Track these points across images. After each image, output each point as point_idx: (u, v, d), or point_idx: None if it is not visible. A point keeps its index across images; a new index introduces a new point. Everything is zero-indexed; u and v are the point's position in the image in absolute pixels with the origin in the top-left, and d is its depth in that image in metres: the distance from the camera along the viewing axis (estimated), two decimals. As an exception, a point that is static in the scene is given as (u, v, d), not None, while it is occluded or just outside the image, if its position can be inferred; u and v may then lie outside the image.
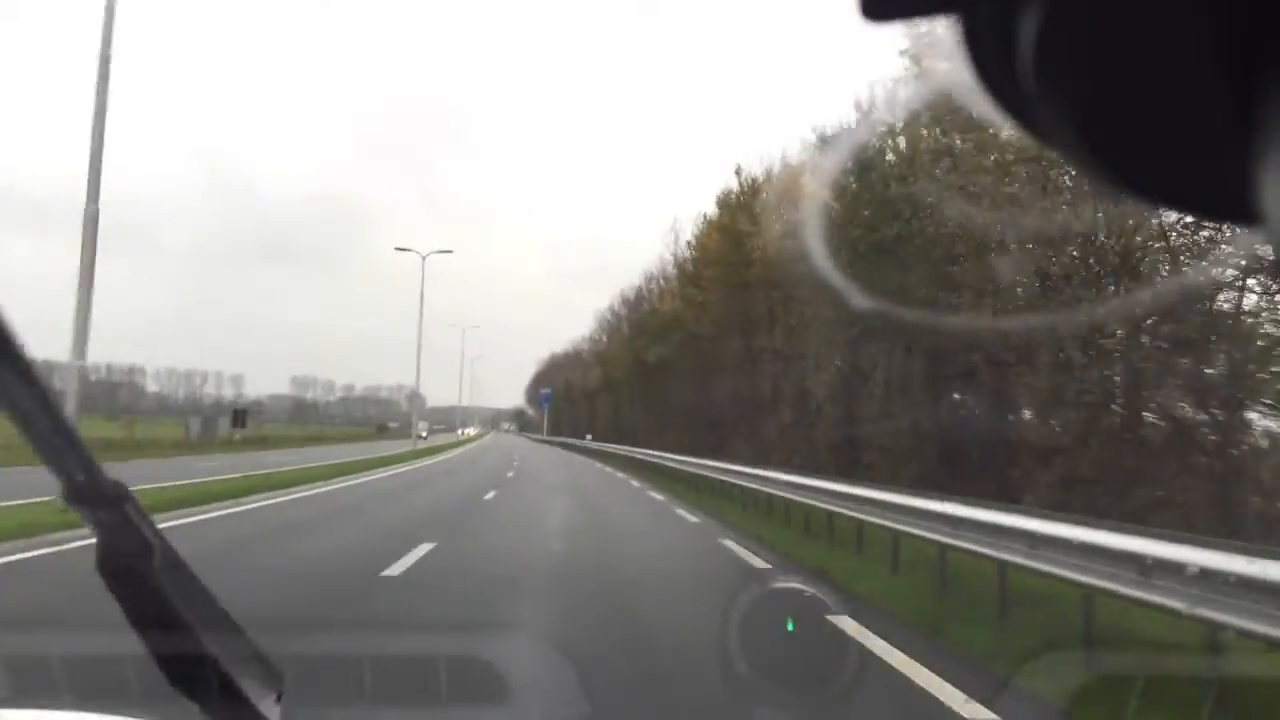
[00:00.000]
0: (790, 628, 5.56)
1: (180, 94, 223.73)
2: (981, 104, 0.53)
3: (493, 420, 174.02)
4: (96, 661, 4.62)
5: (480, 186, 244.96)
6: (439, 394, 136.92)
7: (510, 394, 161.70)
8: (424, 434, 72.30)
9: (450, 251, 35.56)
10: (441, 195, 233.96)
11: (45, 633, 5.79)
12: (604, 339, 70.39)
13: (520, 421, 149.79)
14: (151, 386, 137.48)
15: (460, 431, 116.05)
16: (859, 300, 15.84)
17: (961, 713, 4.87)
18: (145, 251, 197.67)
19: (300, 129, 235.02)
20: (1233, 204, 0.50)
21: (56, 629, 5.94)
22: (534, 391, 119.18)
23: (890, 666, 5.77)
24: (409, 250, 54.12)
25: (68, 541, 10.05)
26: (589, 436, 62.42)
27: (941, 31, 0.51)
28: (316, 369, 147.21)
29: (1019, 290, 15.85)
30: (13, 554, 9.69)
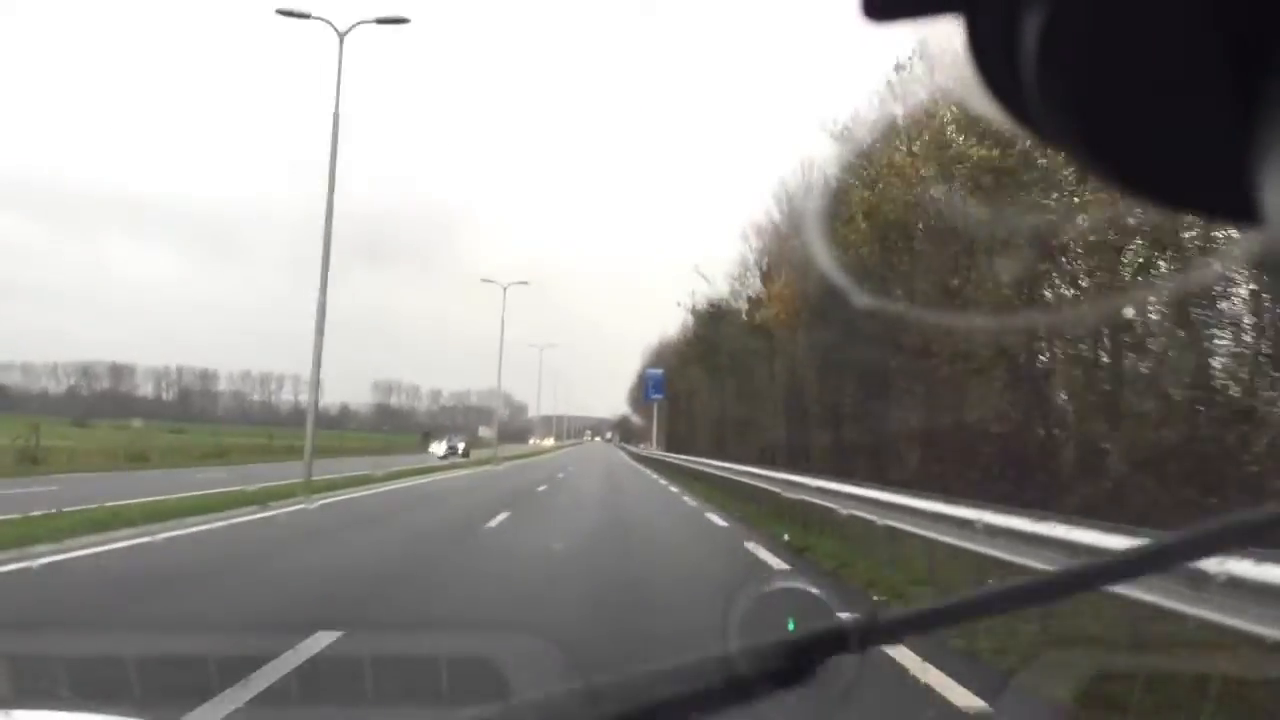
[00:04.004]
0: None
1: (265, 94, 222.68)
2: (984, 103, 0.53)
3: (595, 429, 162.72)
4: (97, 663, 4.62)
5: (574, 188, 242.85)
6: (543, 404, 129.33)
7: (615, 403, 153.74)
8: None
9: (406, 20, 32.01)
10: (534, 199, 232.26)
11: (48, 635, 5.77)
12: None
13: (623, 430, 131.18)
14: (225, 390, 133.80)
15: (485, 446, 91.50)
16: (860, 299, 15.82)
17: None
18: (224, 253, 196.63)
19: (386, 134, 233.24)
20: (1234, 204, 0.50)
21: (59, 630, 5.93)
22: (638, 393, 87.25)
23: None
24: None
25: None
26: None
27: (944, 31, 0.51)
28: (404, 375, 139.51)
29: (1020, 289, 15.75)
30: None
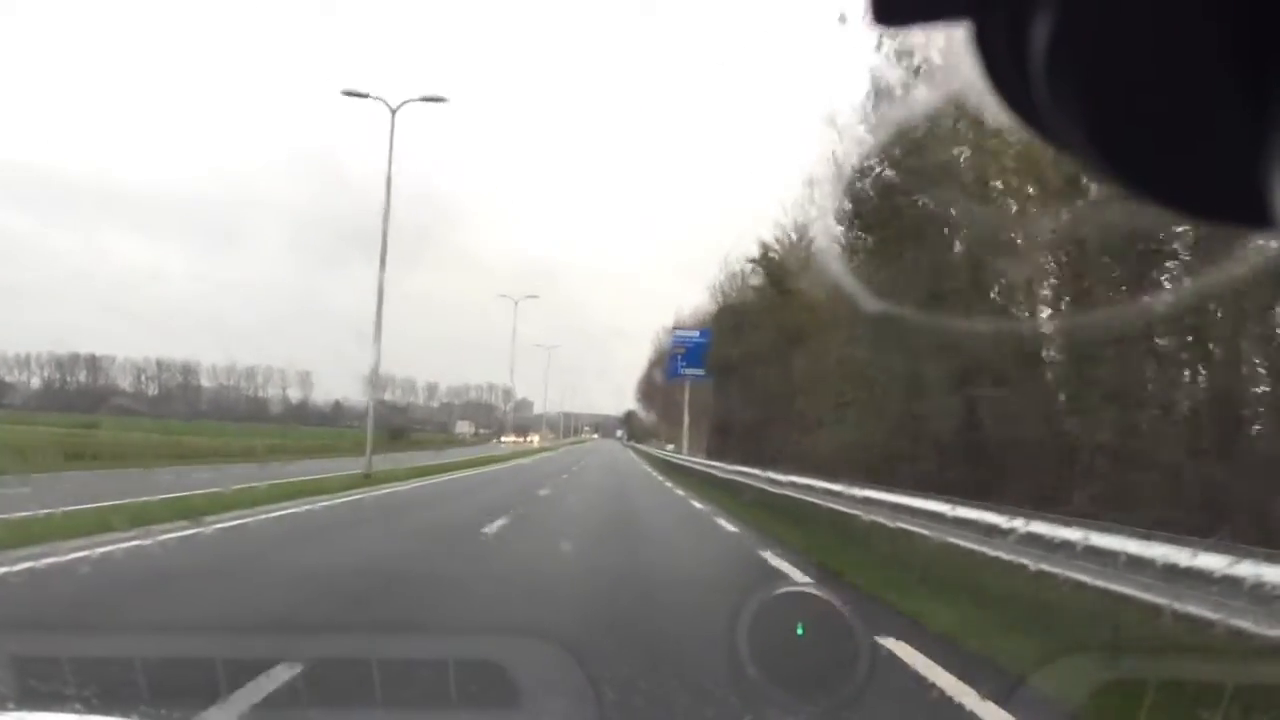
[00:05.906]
0: None
1: (259, 83, 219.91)
2: (993, 108, 0.53)
3: (599, 426, 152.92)
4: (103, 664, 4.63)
5: (577, 180, 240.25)
6: (532, 392, 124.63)
7: (623, 400, 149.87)
8: None
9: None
10: (538, 195, 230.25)
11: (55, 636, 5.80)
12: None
13: (629, 427, 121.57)
14: (208, 384, 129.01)
15: (462, 444, 69.70)
16: (870, 304, 15.75)
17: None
18: (209, 242, 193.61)
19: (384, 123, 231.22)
20: (1244, 207, 0.50)
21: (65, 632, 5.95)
22: (648, 384, 73.41)
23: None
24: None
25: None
26: None
27: (953, 36, 0.51)
28: (399, 369, 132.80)
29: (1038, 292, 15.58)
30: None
